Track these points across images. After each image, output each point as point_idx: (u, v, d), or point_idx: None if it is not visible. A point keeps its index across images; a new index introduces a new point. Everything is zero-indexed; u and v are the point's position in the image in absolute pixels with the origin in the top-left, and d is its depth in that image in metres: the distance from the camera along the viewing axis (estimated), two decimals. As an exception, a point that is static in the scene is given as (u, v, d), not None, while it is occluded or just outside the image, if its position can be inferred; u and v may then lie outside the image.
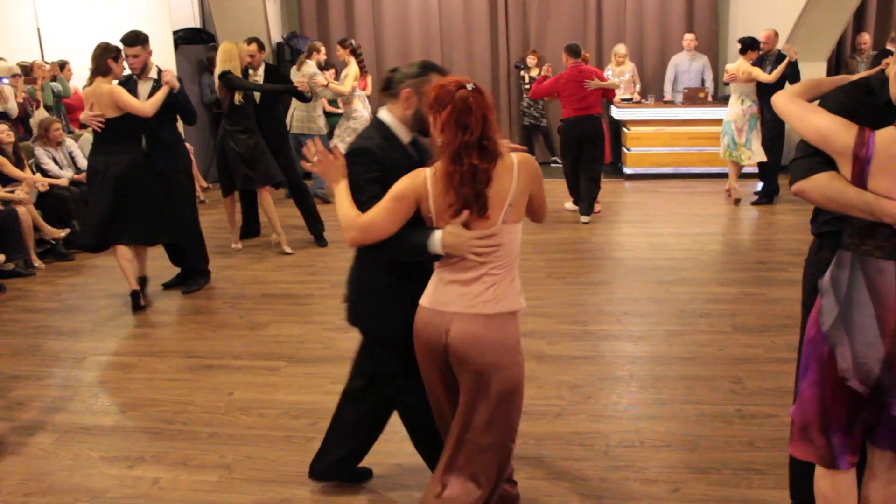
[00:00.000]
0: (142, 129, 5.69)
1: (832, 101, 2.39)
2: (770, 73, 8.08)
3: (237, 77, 6.71)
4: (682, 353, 4.66)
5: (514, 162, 2.55)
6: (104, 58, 5.52)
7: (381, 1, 11.53)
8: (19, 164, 7.20)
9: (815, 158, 2.32)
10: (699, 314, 5.27)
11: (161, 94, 5.60)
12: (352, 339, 4.95)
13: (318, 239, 7.41)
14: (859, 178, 2.21)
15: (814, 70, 10.04)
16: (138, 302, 5.72)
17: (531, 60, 10.96)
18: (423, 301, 2.64)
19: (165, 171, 5.88)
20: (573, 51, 8.00)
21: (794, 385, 4.12)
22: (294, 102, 8.85)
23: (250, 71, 7.11)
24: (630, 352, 4.70)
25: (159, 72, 5.75)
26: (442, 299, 2.59)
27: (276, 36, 10.87)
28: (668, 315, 5.29)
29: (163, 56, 9.55)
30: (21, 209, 6.66)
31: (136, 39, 5.64)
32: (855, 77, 2.48)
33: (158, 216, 5.78)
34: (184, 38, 10.56)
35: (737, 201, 8.56)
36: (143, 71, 5.74)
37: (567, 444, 3.63)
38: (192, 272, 6.26)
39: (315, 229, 7.41)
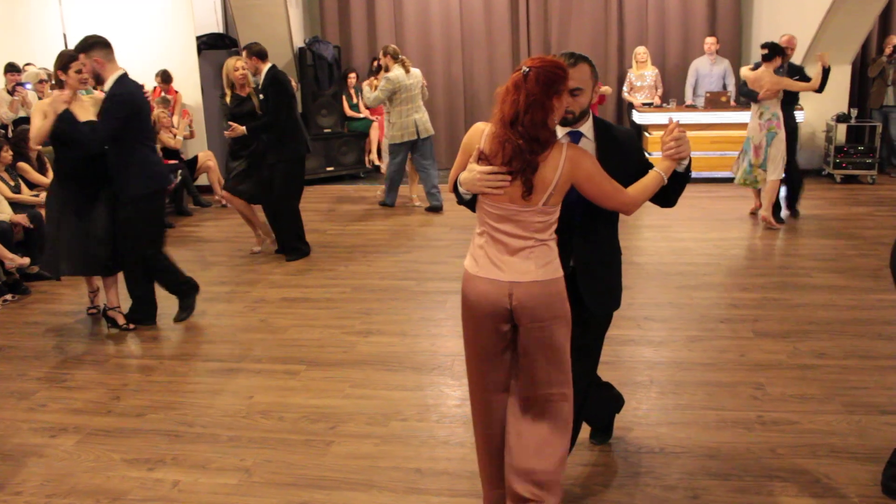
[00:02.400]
0: (108, 152, 5.15)
1: None
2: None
3: (222, 103, 6.88)
4: (703, 358, 4.62)
5: (564, 155, 2.67)
6: (55, 69, 5.12)
7: (403, 5, 11.56)
8: (42, 170, 7.28)
9: None
10: (720, 319, 5.23)
11: (47, 121, 4.95)
12: (371, 344, 5.02)
13: (289, 252, 7.21)
14: None
15: (838, 73, 9.95)
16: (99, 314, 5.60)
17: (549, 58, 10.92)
18: (474, 270, 2.79)
19: (133, 196, 5.21)
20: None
21: (816, 391, 4.10)
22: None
23: (237, 87, 6.94)
24: (650, 357, 4.68)
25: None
26: (492, 270, 2.75)
27: (299, 41, 10.92)
28: (688, 320, 5.26)
29: (186, 61, 9.67)
30: None
31: (80, 48, 5.13)
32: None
33: (105, 246, 5.23)
34: (207, 44, 10.64)
35: (770, 226, 7.74)
36: (97, 82, 5.25)
37: (586, 450, 3.62)
38: (186, 298, 5.73)
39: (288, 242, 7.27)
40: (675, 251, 6.93)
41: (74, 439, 3.91)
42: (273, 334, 5.28)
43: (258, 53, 6.88)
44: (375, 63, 10.29)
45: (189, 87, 9.92)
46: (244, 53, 6.95)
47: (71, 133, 4.99)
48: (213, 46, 10.79)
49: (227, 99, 6.98)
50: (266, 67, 6.84)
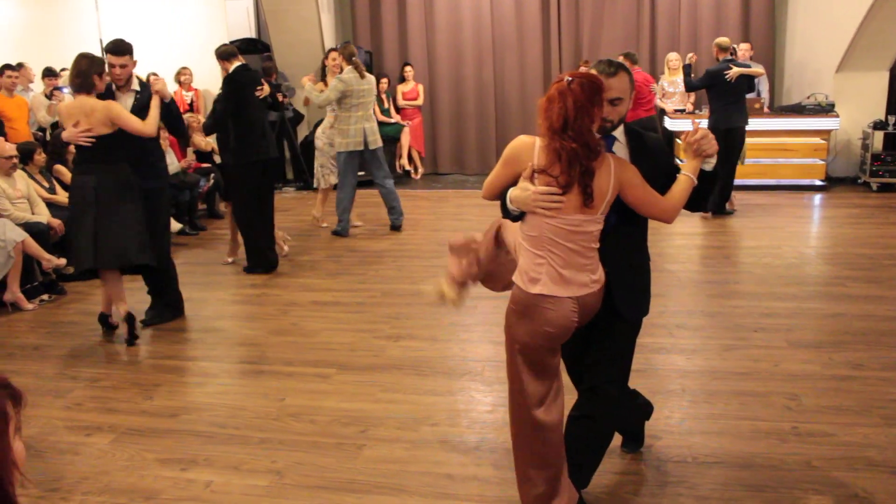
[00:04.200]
0: (135, 146, 5.25)
1: None
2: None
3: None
4: (736, 367, 4.57)
5: (612, 162, 2.73)
6: (90, 73, 5.12)
7: (434, 10, 11.60)
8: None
9: None
10: (753, 328, 5.18)
11: (156, 109, 5.26)
12: (402, 348, 5.02)
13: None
14: None
15: (875, 80, 9.84)
16: (109, 323, 5.54)
17: (583, 70, 10.90)
18: (538, 290, 2.76)
19: (153, 189, 5.43)
20: (633, 58, 9.01)
21: (852, 403, 4.04)
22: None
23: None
24: (682, 366, 4.64)
25: (142, 83, 5.45)
26: (561, 286, 2.76)
27: (330, 45, 10.99)
28: (721, 329, 5.21)
29: (219, 66, 9.75)
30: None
31: (125, 48, 5.28)
32: None
33: (139, 238, 5.26)
34: (239, 48, 10.69)
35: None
36: (127, 82, 5.36)
37: (618, 459, 3.59)
38: (161, 301, 5.75)
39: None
40: (706, 259, 6.87)
41: (109, 438, 3.96)
42: (304, 337, 5.31)
43: (221, 55, 6.72)
44: (325, 61, 9.10)
45: (222, 91, 10.00)
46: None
47: (177, 116, 5.59)
48: (246, 51, 10.87)
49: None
50: (233, 67, 6.65)
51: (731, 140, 8.06)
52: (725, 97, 8.16)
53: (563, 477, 2.97)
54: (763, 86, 10.33)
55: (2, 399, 1.33)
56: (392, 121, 11.33)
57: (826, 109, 9.72)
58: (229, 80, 6.63)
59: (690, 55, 9.05)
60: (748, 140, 9.69)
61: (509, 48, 11.55)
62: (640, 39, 11.23)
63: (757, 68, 8.58)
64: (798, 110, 9.87)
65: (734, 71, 8.03)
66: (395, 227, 8.30)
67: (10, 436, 1.34)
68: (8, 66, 7.66)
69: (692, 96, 10.45)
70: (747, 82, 8.25)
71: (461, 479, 3.47)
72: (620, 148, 2.94)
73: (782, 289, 6.02)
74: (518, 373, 2.90)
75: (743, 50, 10.18)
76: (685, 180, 2.87)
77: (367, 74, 8.04)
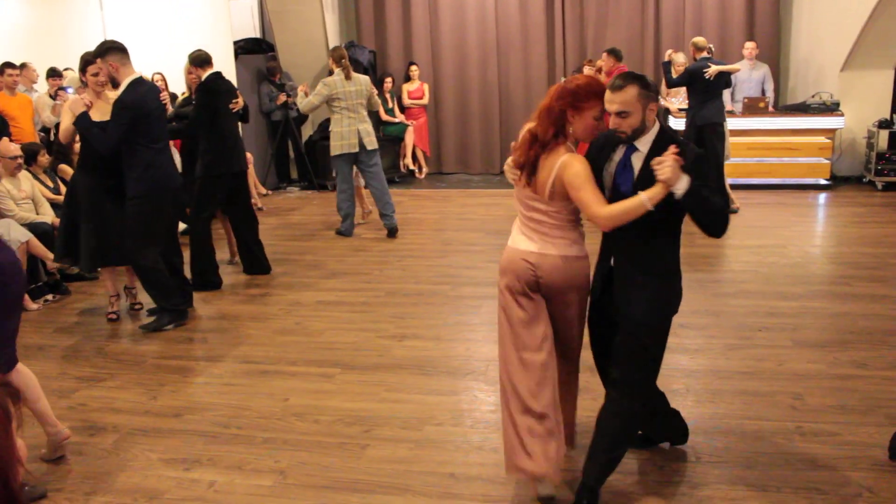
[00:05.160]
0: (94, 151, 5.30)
1: None
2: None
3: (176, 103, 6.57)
4: (740, 367, 4.56)
5: (561, 159, 3.09)
6: (79, 72, 5.36)
7: (439, 10, 11.59)
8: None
9: None
10: (758, 328, 5.17)
11: (66, 120, 5.16)
12: (406, 348, 5.03)
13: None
14: None
15: (880, 78, 9.81)
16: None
17: (587, 70, 10.89)
18: (509, 242, 3.34)
19: (130, 196, 5.35)
20: (618, 55, 9.29)
21: (857, 403, 4.03)
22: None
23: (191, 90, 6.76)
24: (686, 365, 4.63)
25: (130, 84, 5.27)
26: (514, 241, 3.32)
27: (334, 44, 10.99)
28: (725, 328, 5.20)
29: (223, 65, 9.75)
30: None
31: (96, 53, 5.26)
32: None
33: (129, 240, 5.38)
34: (244, 48, 10.76)
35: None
36: (113, 85, 5.29)
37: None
38: (161, 307, 5.64)
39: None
40: (711, 258, 6.86)
41: (113, 438, 3.96)
42: (308, 337, 5.31)
43: (195, 61, 6.52)
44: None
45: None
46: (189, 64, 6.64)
47: (84, 134, 5.27)
48: (250, 51, 10.91)
49: (179, 99, 6.74)
50: (206, 74, 6.46)
51: (707, 136, 8.20)
52: (703, 94, 8.32)
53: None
54: (768, 84, 10.30)
55: (2, 397, 1.33)
56: (396, 120, 11.33)
57: (831, 108, 9.70)
58: (204, 89, 6.42)
59: (669, 52, 9.12)
60: (754, 139, 9.74)
61: (514, 48, 11.54)
62: (645, 39, 11.21)
63: (733, 65, 8.70)
64: (803, 109, 9.84)
65: (713, 69, 8.15)
66: (391, 232, 8.08)
67: (13, 433, 1.34)
68: (8, 65, 7.65)
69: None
70: (725, 79, 8.36)
71: (465, 478, 3.47)
72: (639, 157, 3.02)
73: (787, 288, 6.01)
74: (506, 320, 3.28)
75: (749, 49, 10.17)
76: (635, 199, 2.93)
77: (357, 75, 7.93)
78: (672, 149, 2.87)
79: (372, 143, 7.93)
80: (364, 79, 8.01)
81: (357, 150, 7.84)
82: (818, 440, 3.68)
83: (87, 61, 5.34)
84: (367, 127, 7.94)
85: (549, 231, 3.21)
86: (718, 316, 5.42)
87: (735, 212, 8.52)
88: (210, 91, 6.40)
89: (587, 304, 3.35)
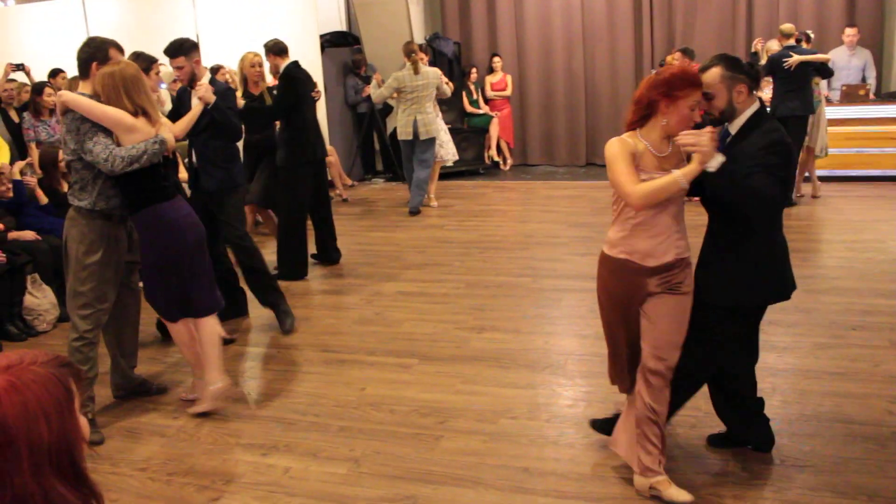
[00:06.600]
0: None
1: None
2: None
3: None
4: (831, 367, 4.36)
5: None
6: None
7: (524, 1, 11.49)
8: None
9: None
10: (852, 326, 4.93)
11: (193, 113, 4.92)
12: (484, 340, 5.00)
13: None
14: None
15: None
16: None
17: (672, 59, 10.62)
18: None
19: (214, 191, 5.35)
20: (690, 54, 9.15)
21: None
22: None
23: (249, 83, 6.68)
24: (773, 363, 4.45)
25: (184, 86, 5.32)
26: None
27: (419, 37, 11.04)
28: (816, 326, 4.98)
29: (310, 59, 9.90)
30: None
31: (179, 49, 5.19)
32: None
33: None
34: (330, 42, 10.90)
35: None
36: (192, 81, 5.25)
37: (700, 459, 3.48)
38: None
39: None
40: (802, 252, 6.58)
41: (195, 422, 4.07)
42: (387, 327, 5.34)
43: (273, 48, 6.49)
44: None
45: (312, 84, 10.17)
46: (253, 55, 6.60)
47: (224, 121, 5.09)
48: (336, 44, 11.05)
49: (239, 94, 6.54)
50: (285, 63, 6.46)
51: (788, 128, 7.79)
52: (785, 84, 8.00)
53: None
54: (870, 71, 9.82)
55: (66, 377, 1.36)
56: (481, 112, 11.31)
57: (937, 96, 9.19)
58: (288, 76, 6.36)
59: (756, 41, 8.84)
60: (853, 128, 9.29)
61: (600, 38, 11.33)
62: (736, 27, 10.83)
63: (820, 55, 8.27)
64: (907, 97, 9.36)
65: (794, 59, 7.81)
66: (412, 211, 8.72)
67: (77, 412, 1.38)
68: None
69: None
70: (813, 70, 8.00)
71: (539, 473, 3.43)
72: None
73: (886, 285, 5.71)
74: None
75: (850, 36, 9.71)
76: (669, 177, 2.91)
77: (426, 69, 8.53)
78: (709, 128, 2.91)
79: (427, 133, 8.53)
80: (433, 72, 8.65)
81: (411, 137, 8.53)
82: (914, 446, 3.49)
83: (151, 60, 5.05)
84: (426, 118, 8.52)
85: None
86: (809, 313, 5.19)
87: (794, 204, 8.13)
88: (294, 79, 6.40)
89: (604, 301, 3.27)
